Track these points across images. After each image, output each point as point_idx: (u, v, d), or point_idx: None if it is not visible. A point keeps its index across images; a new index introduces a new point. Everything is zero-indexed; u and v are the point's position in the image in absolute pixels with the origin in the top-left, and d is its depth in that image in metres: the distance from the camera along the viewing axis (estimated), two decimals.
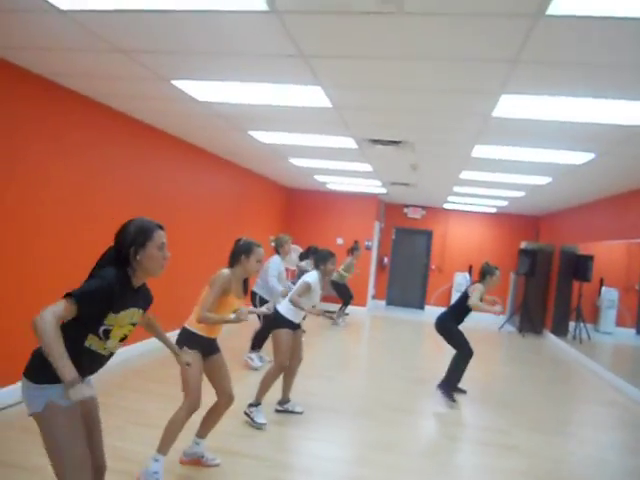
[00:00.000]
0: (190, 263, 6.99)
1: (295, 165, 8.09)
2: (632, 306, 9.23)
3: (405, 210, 13.17)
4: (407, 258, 13.38)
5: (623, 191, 7.43)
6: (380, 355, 8.02)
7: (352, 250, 9.97)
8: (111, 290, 2.05)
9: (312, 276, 4.57)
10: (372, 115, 4.68)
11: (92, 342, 2.10)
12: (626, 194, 7.43)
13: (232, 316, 3.25)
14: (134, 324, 2.27)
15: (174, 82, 4.12)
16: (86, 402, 2.24)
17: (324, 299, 11.08)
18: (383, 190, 10.48)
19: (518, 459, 4.19)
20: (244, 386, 5.16)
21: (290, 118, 4.99)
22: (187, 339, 3.32)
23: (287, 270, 8.28)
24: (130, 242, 2.16)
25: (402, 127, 5.03)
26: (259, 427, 4.26)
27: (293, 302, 4.42)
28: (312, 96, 4.13)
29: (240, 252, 3.48)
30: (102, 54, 3.57)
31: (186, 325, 3.40)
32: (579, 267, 9.80)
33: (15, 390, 4.16)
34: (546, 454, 4.35)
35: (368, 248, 11.71)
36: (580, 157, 5.36)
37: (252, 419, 4.30)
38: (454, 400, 5.43)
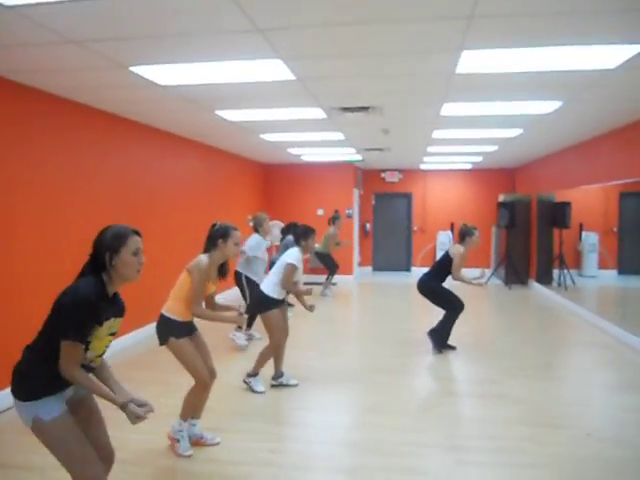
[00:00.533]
0: (168, 249, 6.96)
1: (267, 140, 8.02)
2: (612, 248, 9.42)
3: (382, 175, 13.18)
4: (389, 222, 13.45)
5: (593, 135, 7.49)
6: (370, 321, 8.13)
7: (333, 219, 9.96)
8: (93, 304, 2.08)
9: (293, 255, 4.55)
10: (337, 83, 4.64)
11: None
12: (596, 138, 7.49)
13: (227, 314, 3.49)
14: (113, 334, 2.29)
15: (132, 69, 4.04)
16: (84, 399, 2.30)
17: (310, 271, 11.19)
18: (358, 157, 10.46)
19: (510, 407, 4.31)
20: (231, 366, 5.24)
21: (255, 94, 4.94)
22: (171, 328, 3.36)
23: (271, 246, 8.30)
24: (106, 248, 2.17)
25: (368, 93, 5.00)
26: (259, 393, 4.52)
27: (287, 288, 4.52)
28: (274, 70, 4.08)
29: (217, 236, 3.45)
30: (55, 47, 3.48)
31: (164, 312, 3.41)
32: (557, 214, 9.95)
33: (6, 394, 4.19)
34: (536, 399, 4.49)
35: (349, 216, 11.74)
36: (548, 106, 5.39)
37: (251, 387, 4.55)
38: (441, 351, 5.58)
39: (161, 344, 3.41)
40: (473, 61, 3.85)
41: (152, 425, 3.36)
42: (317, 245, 10.01)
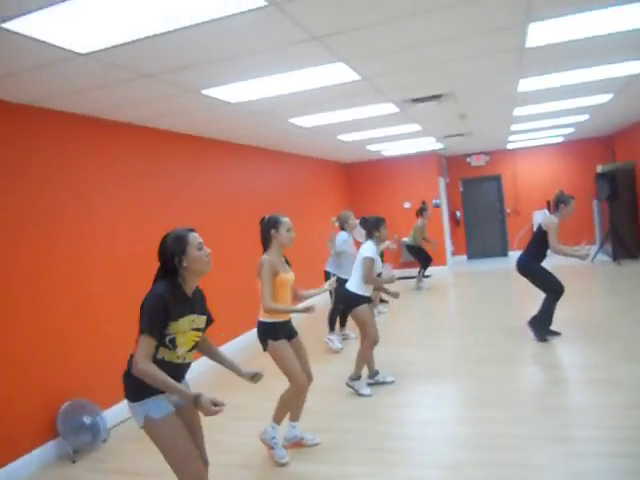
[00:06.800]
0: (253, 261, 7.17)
1: (344, 141, 8.08)
2: None
3: (468, 159, 12.79)
4: (480, 207, 13.04)
5: None
6: (468, 311, 7.92)
7: (421, 211, 9.80)
8: (164, 300, 2.22)
9: (369, 249, 4.56)
10: (403, 76, 4.59)
11: (164, 354, 2.29)
12: None
13: (300, 306, 3.46)
14: (199, 329, 2.41)
15: (204, 92, 4.24)
16: (187, 408, 2.41)
17: (403, 265, 11.12)
18: (440, 145, 10.23)
19: (624, 392, 4.04)
20: (328, 368, 5.31)
21: (324, 98, 5.00)
22: (268, 331, 3.46)
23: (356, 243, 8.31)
24: (172, 253, 2.30)
25: (437, 80, 4.89)
26: (366, 396, 4.52)
27: (370, 282, 4.51)
28: (338, 73, 4.12)
29: (268, 229, 3.49)
30: (129, 83, 3.74)
31: (259, 318, 3.51)
32: None
33: (124, 407, 4.50)
34: None
35: (437, 206, 11.51)
36: (637, 65, 5.00)
37: (357, 391, 4.55)
38: (545, 339, 5.30)
39: (264, 349, 3.51)
40: (542, 33, 3.66)
41: (256, 429, 3.55)
42: (406, 239, 9.93)
